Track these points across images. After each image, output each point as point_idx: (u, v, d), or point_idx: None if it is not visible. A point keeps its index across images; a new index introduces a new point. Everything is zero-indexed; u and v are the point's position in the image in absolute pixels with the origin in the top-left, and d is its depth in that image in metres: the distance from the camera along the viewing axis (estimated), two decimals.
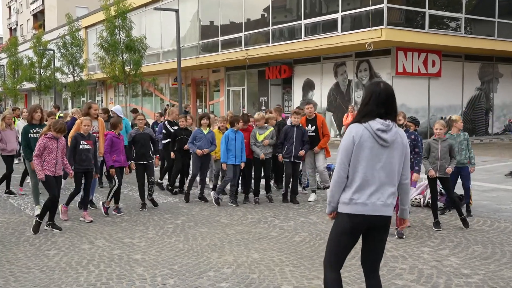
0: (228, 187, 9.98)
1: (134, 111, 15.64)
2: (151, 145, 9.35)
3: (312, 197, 9.96)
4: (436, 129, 7.80)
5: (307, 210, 9.16)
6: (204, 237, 7.34)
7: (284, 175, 10.02)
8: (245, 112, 25.52)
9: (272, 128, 10.03)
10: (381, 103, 3.81)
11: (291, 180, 9.76)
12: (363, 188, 3.77)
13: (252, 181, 10.29)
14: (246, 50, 24.28)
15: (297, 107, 12.21)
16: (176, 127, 10.74)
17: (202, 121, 9.95)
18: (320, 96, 23.29)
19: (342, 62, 22.36)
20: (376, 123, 3.77)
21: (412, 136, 7.47)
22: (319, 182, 10.49)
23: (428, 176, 7.85)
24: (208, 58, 27.30)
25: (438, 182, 7.99)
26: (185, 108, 21.80)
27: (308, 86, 24.04)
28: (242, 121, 9.63)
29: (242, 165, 9.48)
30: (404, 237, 7.22)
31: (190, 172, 10.16)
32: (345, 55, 22.00)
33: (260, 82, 26.75)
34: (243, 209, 9.26)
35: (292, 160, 9.68)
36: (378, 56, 20.64)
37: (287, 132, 9.69)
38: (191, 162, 10.31)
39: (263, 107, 25.55)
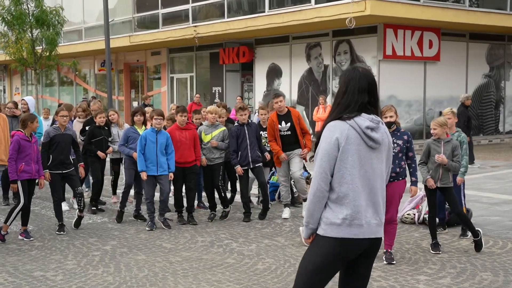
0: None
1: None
2: (73, 149, 9.22)
3: (286, 213, 10.02)
4: (431, 128, 7.94)
5: (273, 230, 9.19)
6: (141, 266, 7.28)
7: (240, 188, 10.04)
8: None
9: (224, 127, 10.06)
10: (362, 91, 3.87)
11: (251, 190, 9.81)
12: (355, 204, 3.80)
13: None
14: (195, 26, 24.20)
15: (240, 101, 12.30)
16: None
17: (135, 118, 9.92)
18: (289, 86, 23.42)
19: (317, 43, 22.54)
20: (364, 120, 3.82)
21: (405, 137, 7.55)
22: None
23: (425, 186, 7.99)
24: (145, 37, 27.08)
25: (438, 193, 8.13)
26: (144, 100, 21.53)
27: (274, 73, 24.13)
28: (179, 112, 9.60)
29: (171, 176, 9.45)
30: (394, 262, 7.33)
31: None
32: (320, 33, 22.18)
33: (213, 68, 26.69)
34: (191, 229, 9.24)
35: (252, 166, 9.76)
36: (361, 35, 20.89)
37: (237, 135, 9.75)
38: (123, 171, 10.24)
39: (216, 100, 25.52)
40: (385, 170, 3.96)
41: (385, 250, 7.37)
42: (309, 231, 3.92)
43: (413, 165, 7.69)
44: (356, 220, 3.79)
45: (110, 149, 10.64)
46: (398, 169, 7.39)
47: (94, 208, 10.56)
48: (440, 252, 7.78)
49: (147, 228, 9.23)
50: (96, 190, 10.64)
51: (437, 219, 9.07)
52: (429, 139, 8.13)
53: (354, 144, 3.80)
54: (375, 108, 3.92)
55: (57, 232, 9.00)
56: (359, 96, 3.87)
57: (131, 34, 27.99)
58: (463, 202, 8.72)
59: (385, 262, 7.29)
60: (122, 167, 10.60)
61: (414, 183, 7.75)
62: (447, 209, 8.88)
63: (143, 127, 10.01)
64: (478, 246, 7.85)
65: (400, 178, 7.43)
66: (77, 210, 9.26)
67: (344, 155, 3.80)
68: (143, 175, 9.24)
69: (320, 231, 3.87)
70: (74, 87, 36.11)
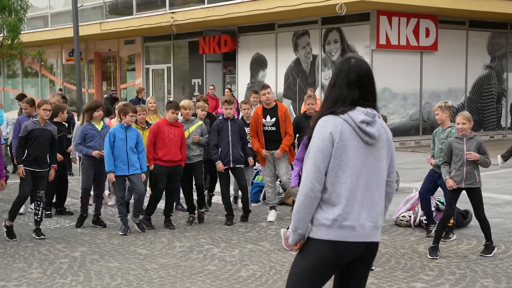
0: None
1: (21, 97, 15.34)
2: (51, 148, 9.12)
3: (272, 215, 10.04)
4: (458, 123, 7.92)
5: (257, 234, 9.20)
6: (114, 274, 7.25)
7: (221, 189, 10.04)
8: (171, 99, 25.38)
9: (201, 122, 10.06)
10: (351, 85, 3.88)
11: (235, 192, 9.82)
12: (349, 205, 3.81)
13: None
14: (172, 13, 24.14)
15: (229, 94, 12.28)
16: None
17: (97, 113, 9.78)
18: (275, 77, 23.43)
19: (305, 31, 22.56)
20: (358, 114, 3.84)
21: None
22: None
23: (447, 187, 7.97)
24: (118, 24, 26.97)
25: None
26: (138, 94, 21.09)
27: (258, 64, 24.14)
28: (172, 108, 9.53)
29: (143, 176, 9.44)
30: (373, 268, 7.35)
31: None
32: (308, 21, 22.21)
33: (192, 58, 26.65)
34: (168, 234, 9.22)
35: (232, 166, 9.76)
36: (353, 23, 20.94)
37: (219, 129, 9.76)
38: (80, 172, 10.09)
39: (196, 93, 25.48)
40: (386, 168, 3.98)
41: None
42: (296, 236, 3.91)
43: None
44: (347, 221, 3.80)
45: (71, 147, 10.58)
46: None
47: (49, 212, 10.46)
48: (438, 257, 7.81)
49: (120, 233, 9.19)
50: (62, 193, 10.59)
51: (424, 221, 9.17)
52: (451, 137, 8.14)
53: (348, 139, 3.82)
54: (369, 102, 3.93)
55: (7, 238, 8.86)
56: (348, 91, 3.88)
57: (102, 21, 27.85)
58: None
59: (372, 268, 7.28)
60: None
61: None
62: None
63: (101, 122, 9.89)
64: (489, 249, 7.89)
65: None
66: (34, 219, 9.10)
67: (338, 152, 3.81)
68: (111, 177, 9.20)
69: (310, 233, 3.88)
70: (40, 79, 35.88)
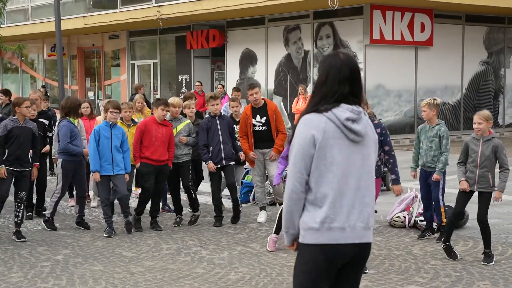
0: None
1: (6, 93, 15.30)
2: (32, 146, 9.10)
3: (262, 216, 10.05)
4: (474, 123, 7.82)
5: (247, 236, 9.21)
6: (98, 278, 7.24)
7: (211, 189, 10.04)
8: (157, 96, 25.35)
9: (188, 120, 10.05)
10: (344, 81, 3.88)
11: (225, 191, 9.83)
12: (337, 206, 3.81)
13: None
14: (158, 6, 24.09)
15: (221, 90, 12.29)
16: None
17: (84, 109, 9.84)
18: (265, 74, 23.43)
19: (296, 26, 22.57)
20: (344, 111, 3.83)
21: (378, 130, 7.49)
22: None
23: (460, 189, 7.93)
24: (102, 18, 26.89)
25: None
26: (138, 90, 20.73)
27: (248, 59, 24.12)
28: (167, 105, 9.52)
29: (127, 177, 9.44)
30: (367, 271, 7.36)
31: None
32: (299, 15, 22.22)
33: (180, 53, 26.60)
34: (154, 236, 9.21)
35: (225, 164, 9.76)
36: (345, 17, 20.95)
37: (208, 128, 9.75)
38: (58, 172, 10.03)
39: (183, 89, 25.46)
40: (374, 166, 3.99)
41: None
42: (289, 237, 3.93)
43: (391, 160, 7.72)
44: (336, 223, 3.80)
45: (47, 147, 10.46)
46: None
47: (30, 214, 10.40)
48: (457, 257, 7.82)
49: (104, 235, 9.17)
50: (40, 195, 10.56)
51: (420, 221, 9.21)
52: (468, 137, 8.05)
53: (333, 138, 3.81)
54: (357, 98, 3.93)
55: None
56: (339, 86, 3.87)
57: (86, 14, 27.75)
58: (441, 202, 8.72)
59: (367, 271, 7.29)
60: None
61: (395, 181, 7.79)
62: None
63: (78, 119, 9.88)
64: (489, 257, 7.75)
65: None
66: (14, 221, 9.08)
67: (321, 152, 3.80)
68: (96, 176, 9.17)
69: (300, 238, 3.88)
70: (20, 75, 35.73)
